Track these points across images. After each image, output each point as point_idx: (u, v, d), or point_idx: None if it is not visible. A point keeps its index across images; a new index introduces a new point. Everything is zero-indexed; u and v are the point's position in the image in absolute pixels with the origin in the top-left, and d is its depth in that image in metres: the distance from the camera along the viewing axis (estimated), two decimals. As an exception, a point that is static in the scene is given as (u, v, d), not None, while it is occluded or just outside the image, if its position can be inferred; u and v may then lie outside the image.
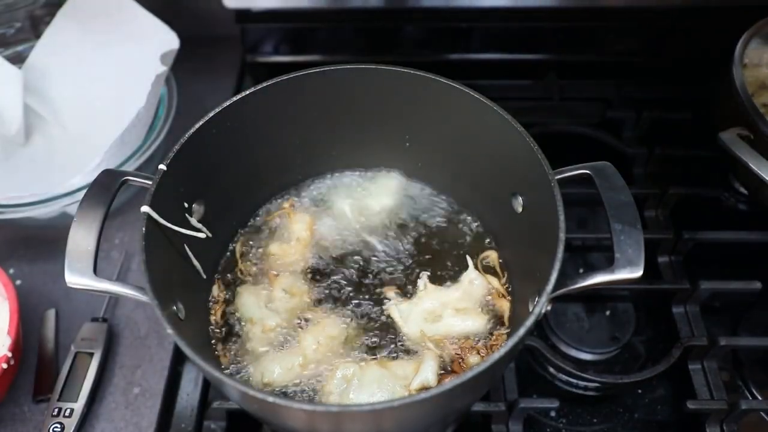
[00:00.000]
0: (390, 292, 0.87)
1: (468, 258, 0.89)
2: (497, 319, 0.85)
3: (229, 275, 0.90)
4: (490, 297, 0.86)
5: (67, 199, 0.98)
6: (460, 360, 0.81)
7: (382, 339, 0.83)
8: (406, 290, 0.88)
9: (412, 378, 0.78)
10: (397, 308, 0.85)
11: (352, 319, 0.85)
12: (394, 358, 0.82)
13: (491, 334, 0.83)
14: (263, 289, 0.88)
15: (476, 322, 0.83)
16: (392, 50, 1.31)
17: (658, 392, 0.96)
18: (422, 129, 0.91)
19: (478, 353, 0.81)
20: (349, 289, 0.88)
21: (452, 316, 0.84)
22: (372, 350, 0.83)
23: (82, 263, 0.69)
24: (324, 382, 0.79)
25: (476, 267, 0.88)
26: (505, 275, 0.88)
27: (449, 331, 0.83)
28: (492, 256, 0.90)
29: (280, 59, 1.31)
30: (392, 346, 0.83)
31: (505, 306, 0.85)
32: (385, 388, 0.77)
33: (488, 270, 0.89)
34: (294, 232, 0.92)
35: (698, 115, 1.18)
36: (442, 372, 0.80)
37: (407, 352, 0.82)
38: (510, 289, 0.87)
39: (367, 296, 0.87)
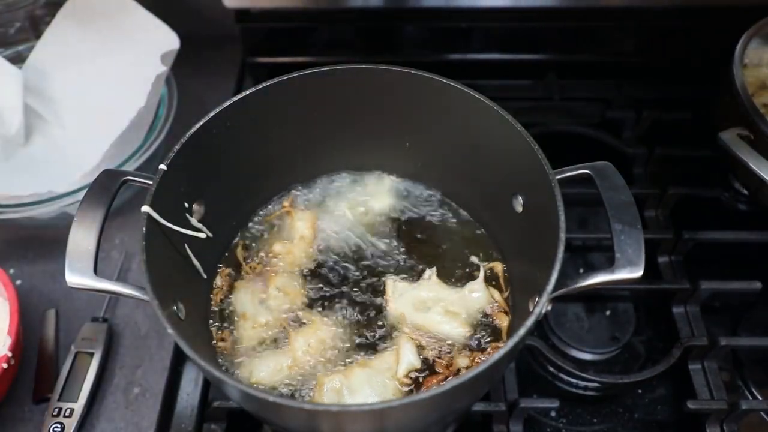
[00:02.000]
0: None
1: (482, 268, 0.88)
2: (480, 337, 0.83)
3: (230, 272, 0.90)
4: (486, 314, 0.85)
5: (67, 199, 0.98)
6: (440, 359, 0.81)
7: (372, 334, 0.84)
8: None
9: (396, 367, 0.79)
10: (394, 283, 0.86)
11: (346, 321, 0.85)
12: (371, 337, 0.83)
13: (482, 348, 0.82)
14: (259, 285, 0.88)
15: (457, 330, 0.83)
16: (392, 50, 1.31)
17: (658, 392, 0.96)
18: (422, 129, 0.91)
19: (469, 357, 0.81)
20: (346, 290, 0.88)
21: (439, 313, 0.84)
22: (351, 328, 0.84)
23: (83, 263, 0.69)
24: (314, 396, 0.78)
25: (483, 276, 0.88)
26: (509, 290, 0.87)
27: (428, 325, 0.83)
28: (497, 268, 0.89)
29: (280, 59, 1.31)
30: (372, 325, 0.84)
31: (504, 321, 0.84)
32: (375, 385, 0.77)
33: (491, 281, 0.88)
34: (297, 230, 0.92)
35: (698, 115, 1.18)
36: (425, 374, 0.80)
37: (384, 336, 0.83)
38: (511, 305, 0.86)
39: (363, 296, 0.87)
